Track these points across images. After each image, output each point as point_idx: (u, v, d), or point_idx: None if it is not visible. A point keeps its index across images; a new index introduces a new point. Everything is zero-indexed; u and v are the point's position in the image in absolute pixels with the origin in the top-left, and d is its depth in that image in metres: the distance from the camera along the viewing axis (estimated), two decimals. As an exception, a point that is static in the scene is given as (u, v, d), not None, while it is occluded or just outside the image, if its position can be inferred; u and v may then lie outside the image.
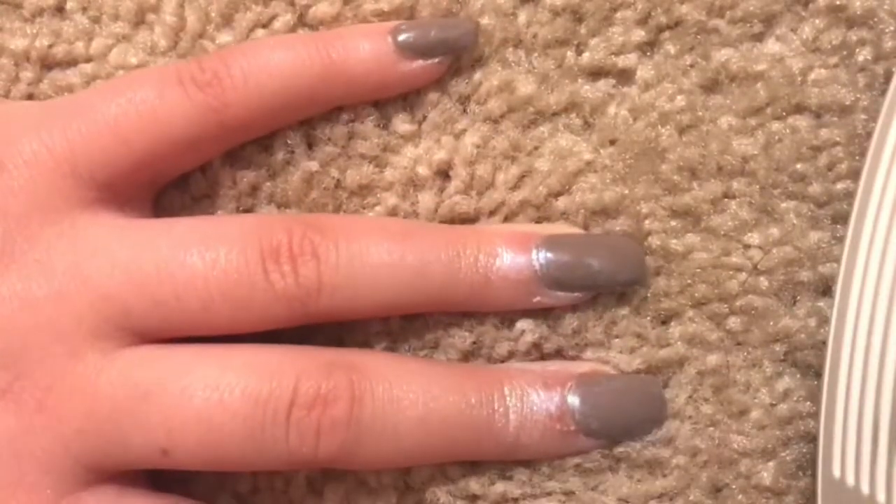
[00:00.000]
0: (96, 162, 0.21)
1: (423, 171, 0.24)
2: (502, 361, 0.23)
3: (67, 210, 0.21)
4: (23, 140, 0.21)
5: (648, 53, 0.24)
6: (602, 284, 0.23)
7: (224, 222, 0.22)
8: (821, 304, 0.23)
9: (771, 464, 0.23)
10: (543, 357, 0.23)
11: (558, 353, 0.23)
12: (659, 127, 0.23)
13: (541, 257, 0.22)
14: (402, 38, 0.23)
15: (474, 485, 0.23)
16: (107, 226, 0.21)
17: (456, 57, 0.23)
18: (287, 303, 0.21)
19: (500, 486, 0.23)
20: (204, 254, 0.21)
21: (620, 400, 0.23)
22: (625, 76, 0.24)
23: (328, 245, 0.21)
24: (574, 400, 0.22)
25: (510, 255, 0.22)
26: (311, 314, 0.21)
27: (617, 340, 0.23)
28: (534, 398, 0.22)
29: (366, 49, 0.22)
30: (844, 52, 0.23)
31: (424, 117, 0.24)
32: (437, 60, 0.23)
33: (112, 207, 0.22)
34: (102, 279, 0.21)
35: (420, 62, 0.23)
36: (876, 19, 0.23)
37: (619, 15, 0.24)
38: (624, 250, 0.23)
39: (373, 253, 0.21)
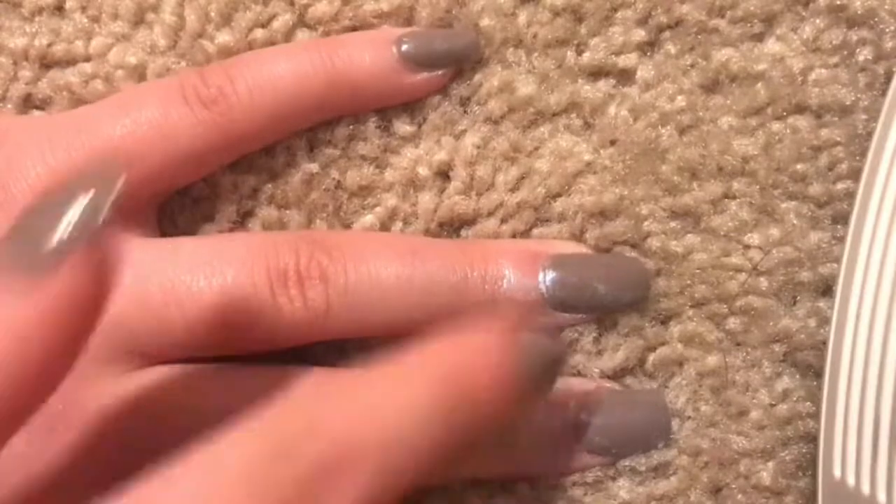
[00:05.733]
0: None
1: (423, 171, 0.24)
2: None
3: None
4: (26, 161, 0.21)
5: (649, 53, 0.24)
6: (607, 306, 0.23)
7: (230, 244, 0.22)
8: (821, 304, 0.23)
9: (770, 464, 0.23)
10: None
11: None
12: (659, 127, 0.23)
13: (547, 280, 0.22)
14: (405, 48, 0.22)
15: (475, 499, 0.23)
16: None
17: (459, 67, 0.23)
18: (295, 325, 0.21)
19: (500, 500, 0.23)
20: (210, 278, 0.20)
21: (626, 416, 0.23)
22: (625, 76, 0.24)
23: (336, 267, 0.21)
24: (580, 418, 0.22)
25: (517, 277, 0.22)
26: (319, 334, 0.21)
27: (617, 341, 0.23)
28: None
29: (369, 59, 0.22)
30: (845, 52, 0.23)
31: (425, 118, 0.24)
32: (440, 72, 0.23)
33: (116, 226, 0.22)
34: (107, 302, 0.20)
35: (424, 74, 0.23)
36: (876, 19, 0.23)
37: (619, 15, 0.24)
38: (629, 272, 0.23)
39: (381, 275, 0.21)
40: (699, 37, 0.24)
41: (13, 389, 0.15)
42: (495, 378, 0.18)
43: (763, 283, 0.23)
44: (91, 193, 0.15)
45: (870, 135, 0.23)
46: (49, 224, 0.15)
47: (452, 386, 0.17)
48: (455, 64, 0.23)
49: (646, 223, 0.23)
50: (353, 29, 0.24)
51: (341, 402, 0.17)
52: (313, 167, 0.23)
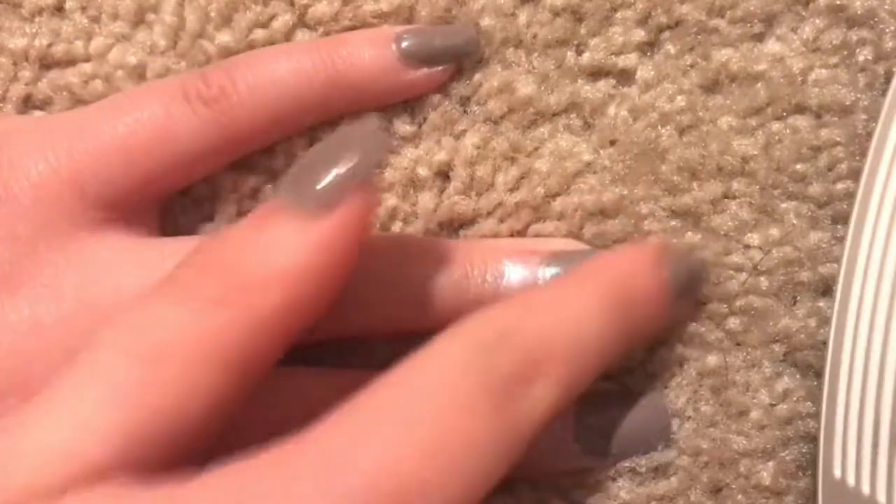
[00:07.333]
0: (103, 182, 0.21)
1: (423, 171, 0.24)
2: None
3: (74, 232, 0.21)
4: (28, 162, 0.21)
5: (648, 53, 0.24)
6: None
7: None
8: (821, 304, 0.23)
9: (770, 464, 0.23)
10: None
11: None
12: (659, 127, 0.23)
13: (547, 276, 0.22)
14: (405, 45, 0.23)
15: None
16: (114, 248, 0.21)
17: (458, 63, 0.23)
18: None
19: (500, 500, 0.23)
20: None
21: (625, 417, 0.22)
22: (625, 76, 0.24)
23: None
24: (579, 419, 0.22)
25: (516, 274, 0.22)
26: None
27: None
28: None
29: (369, 57, 0.22)
30: (845, 52, 0.23)
31: (425, 118, 0.24)
32: (440, 68, 0.23)
33: (119, 226, 0.22)
34: (110, 303, 0.20)
35: (424, 70, 0.23)
36: (876, 19, 0.23)
37: (619, 15, 0.24)
38: None
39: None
40: (699, 37, 0.24)
41: (322, 290, 0.18)
42: (651, 284, 0.20)
43: (763, 282, 0.23)
44: (358, 157, 0.18)
45: (870, 135, 0.23)
46: (322, 176, 0.18)
47: (618, 292, 0.19)
48: (455, 60, 0.23)
49: (646, 222, 0.23)
50: (353, 29, 0.24)
51: (528, 312, 0.18)
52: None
